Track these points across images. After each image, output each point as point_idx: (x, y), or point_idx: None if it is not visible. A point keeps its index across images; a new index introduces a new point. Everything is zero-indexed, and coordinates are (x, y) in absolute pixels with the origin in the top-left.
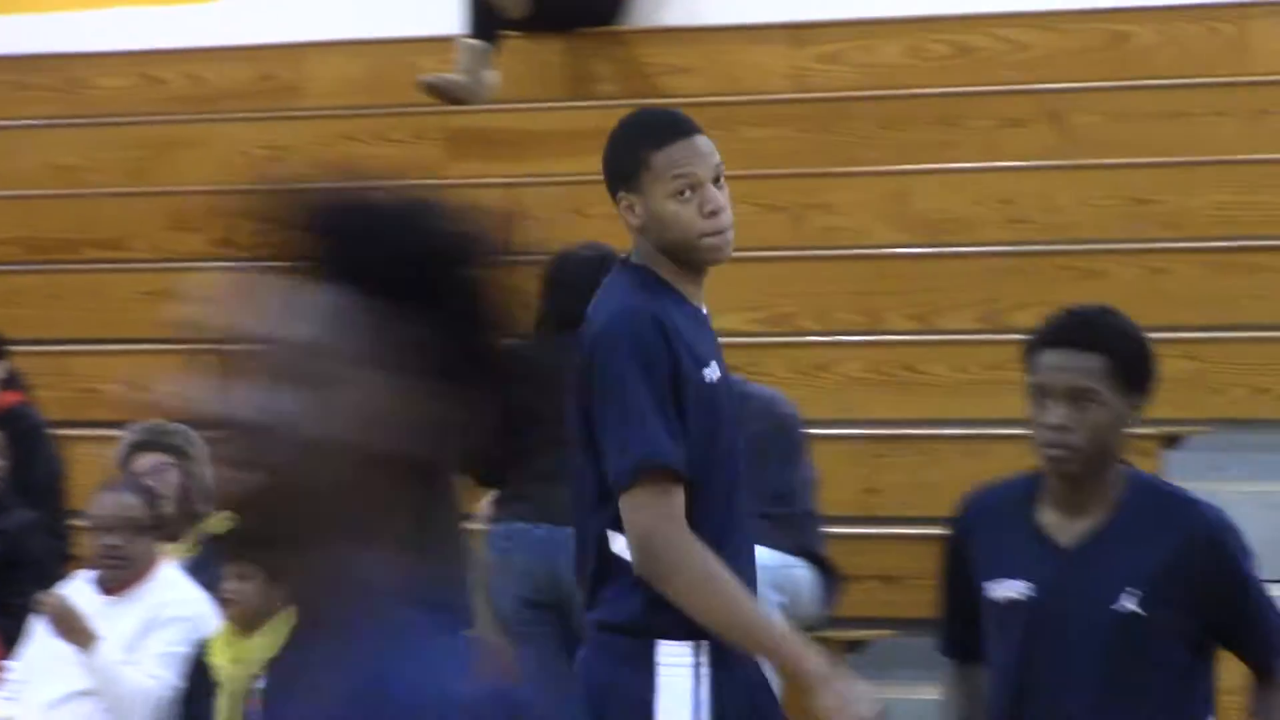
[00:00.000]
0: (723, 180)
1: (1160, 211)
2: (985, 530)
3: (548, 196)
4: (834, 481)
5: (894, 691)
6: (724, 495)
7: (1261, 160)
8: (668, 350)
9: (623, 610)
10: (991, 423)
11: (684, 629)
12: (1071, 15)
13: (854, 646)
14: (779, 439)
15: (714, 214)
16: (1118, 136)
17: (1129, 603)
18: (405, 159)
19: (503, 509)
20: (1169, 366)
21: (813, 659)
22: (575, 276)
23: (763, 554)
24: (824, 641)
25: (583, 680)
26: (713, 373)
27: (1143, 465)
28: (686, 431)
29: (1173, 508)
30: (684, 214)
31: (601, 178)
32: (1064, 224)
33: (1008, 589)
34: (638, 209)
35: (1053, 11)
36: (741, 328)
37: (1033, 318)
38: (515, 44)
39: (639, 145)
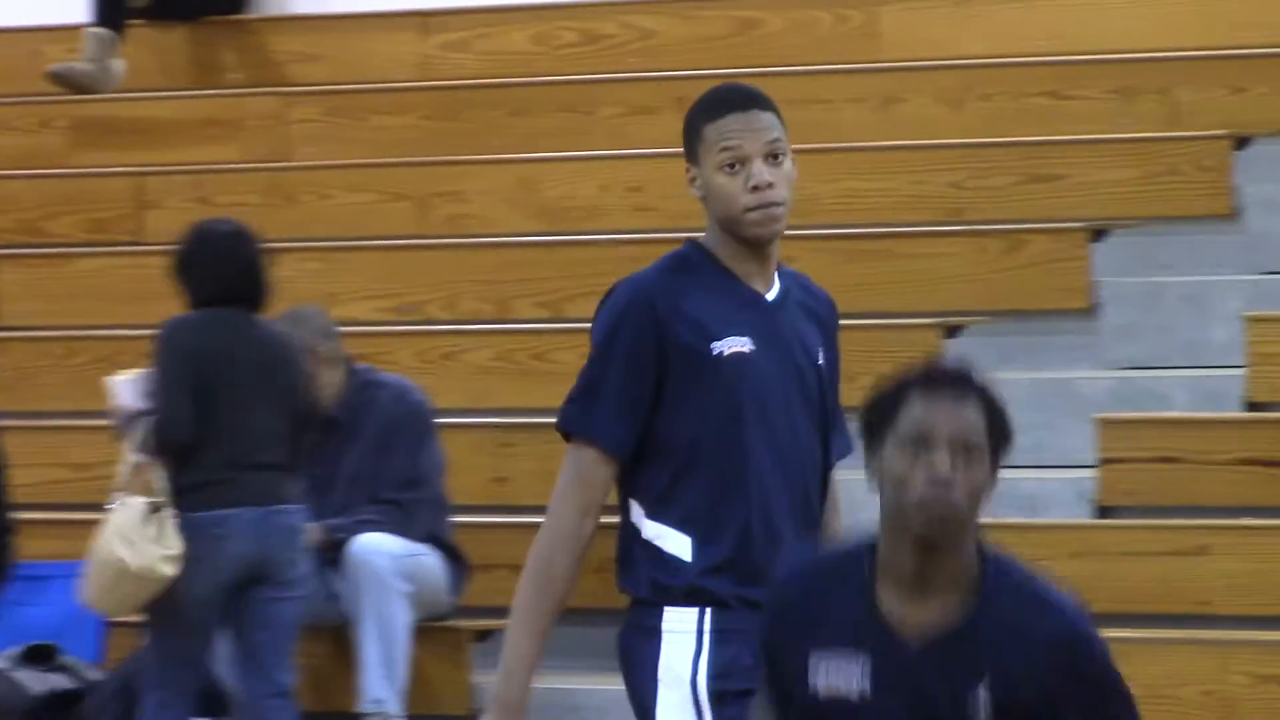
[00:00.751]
0: (783, 156)
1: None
2: (809, 610)
3: (174, 185)
4: (463, 470)
5: None
6: (737, 457)
7: (890, 147)
8: (655, 329)
9: (633, 579)
10: None
11: (689, 595)
12: (699, 3)
13: (483, 636)
14: (409, 427)
15: (757, 189)
16: None
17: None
18: (30, 148)
19: (203, 496)
20: None
21: (505, 696)
22: (212, 251)
23: (390, 542)
24: (452, 630)
25: (618, 650)
26: (727, 346)
27: None
28: (686, 400)
29: (1034, 608)
30: (729, 187)
31: (231, 166)
32: (693, 211)
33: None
34: (697, 181)
35: None
36: (370, 316)
37: None
38: (141, 32)
39: (698, 117)
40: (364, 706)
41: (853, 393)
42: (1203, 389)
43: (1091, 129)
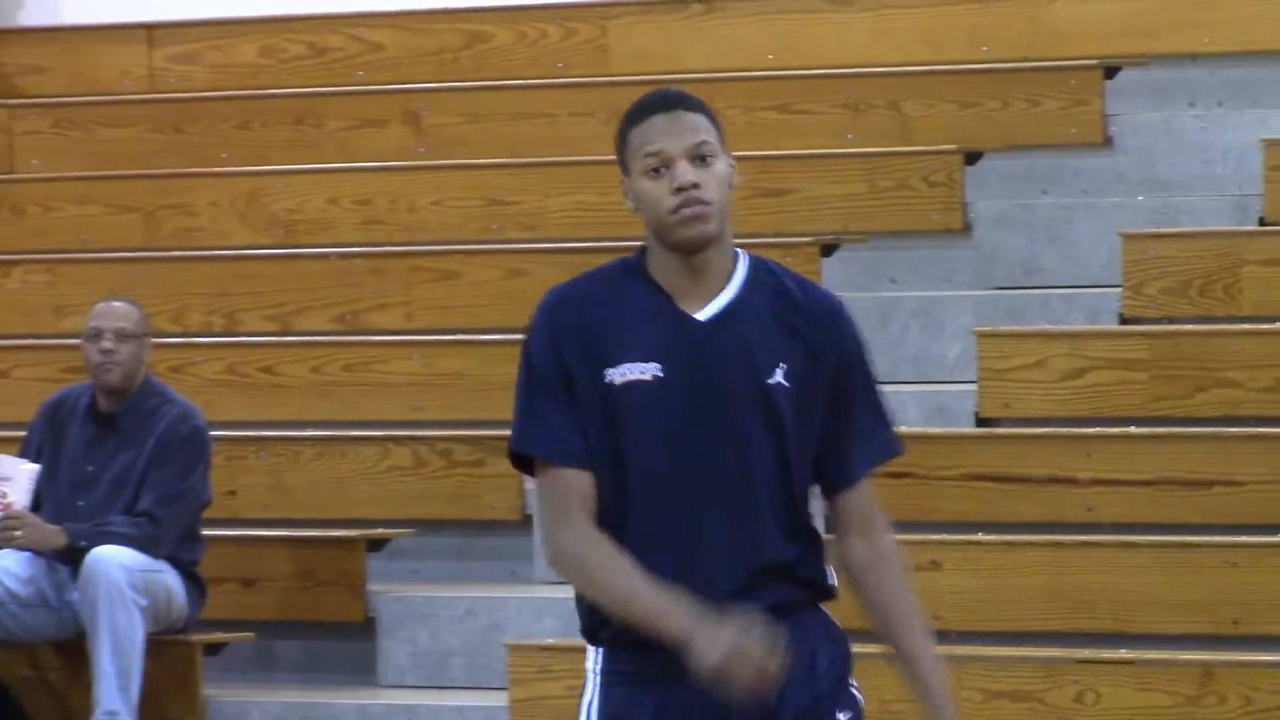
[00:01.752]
0: (712, 158)
1: (518, 212)
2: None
3: None
4: None
5: (253, 694)
6: (619, 496)
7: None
8: (555, 348)
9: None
10: (349, 424)
11: (590, 633)
12: (427, 15)
13: (214, 649)
14: (186, 448)
15: (681, 189)
16: (475, 137)
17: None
18: None
19: None
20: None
21: (675, 620)
22: None
23: (128, 555)
24: (184, 644)
25: None
26: (622, 373)
27: (502, 467)
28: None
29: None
30: (654, 191)
31: None
32: (420, 224)
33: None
34: (629, 192)
35: (408, 11)
36: None
37: (390, 319)
38: None
39: (624, 124)
40: (98, 718)
41: None
42: (934, 404)
43: (820, 143)
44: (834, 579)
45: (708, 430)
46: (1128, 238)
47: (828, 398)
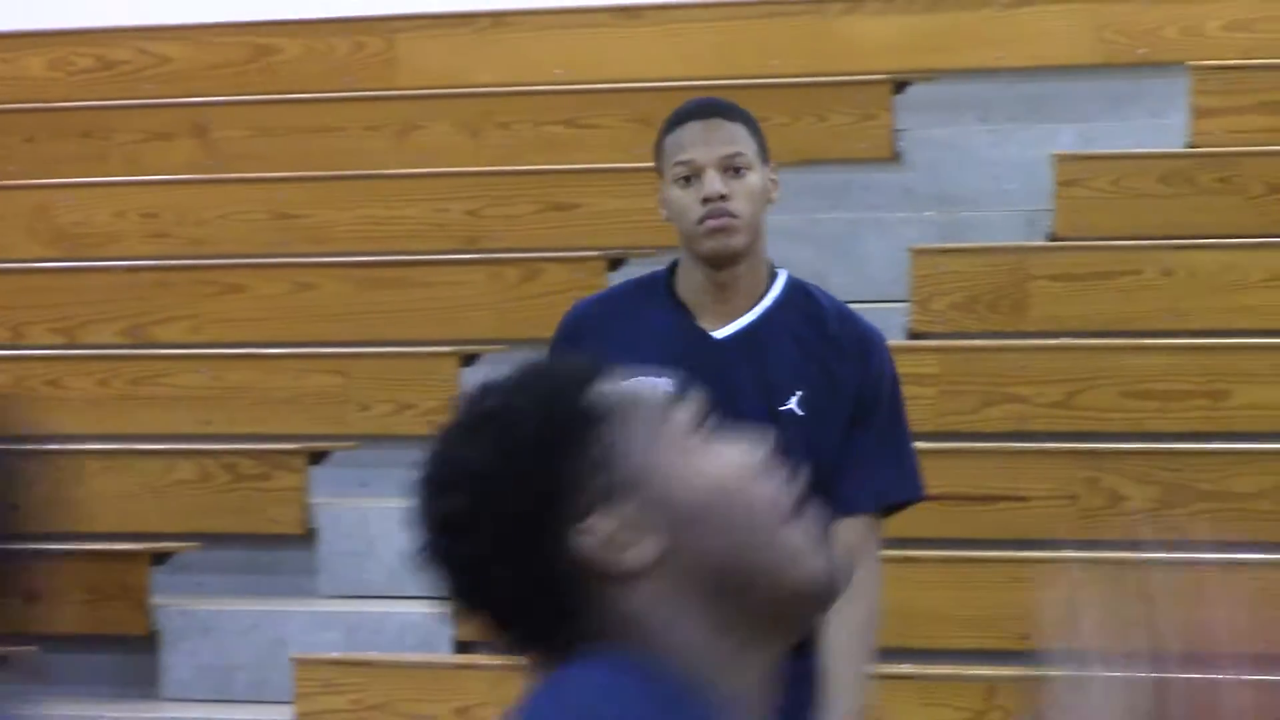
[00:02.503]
0: (746, 170)
1: (306, 226)
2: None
3: None
4: None
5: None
6: None
7: (408, 174)
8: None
9: None
10: (135, 438)
11: None
12: (215, 28)
13: None
14: None
15: (707, 200)
16: (263, 150)
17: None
18: None
19: None
20: (314, 382)
21: None
22: None
23: None
24: None
25: None
26: None
27: (288, 481)
28: None
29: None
30: (684, 200)
31: None
32: (208, 238)
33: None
34: (663, 199)
35: (196, 25)
36: None
37: (177, 332)
38: None
39: (662, 132)
40: None
41: (370, 421)
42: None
43: (609, 158)
44: None
45: None
46: (916, 253)
47: (845, 429)
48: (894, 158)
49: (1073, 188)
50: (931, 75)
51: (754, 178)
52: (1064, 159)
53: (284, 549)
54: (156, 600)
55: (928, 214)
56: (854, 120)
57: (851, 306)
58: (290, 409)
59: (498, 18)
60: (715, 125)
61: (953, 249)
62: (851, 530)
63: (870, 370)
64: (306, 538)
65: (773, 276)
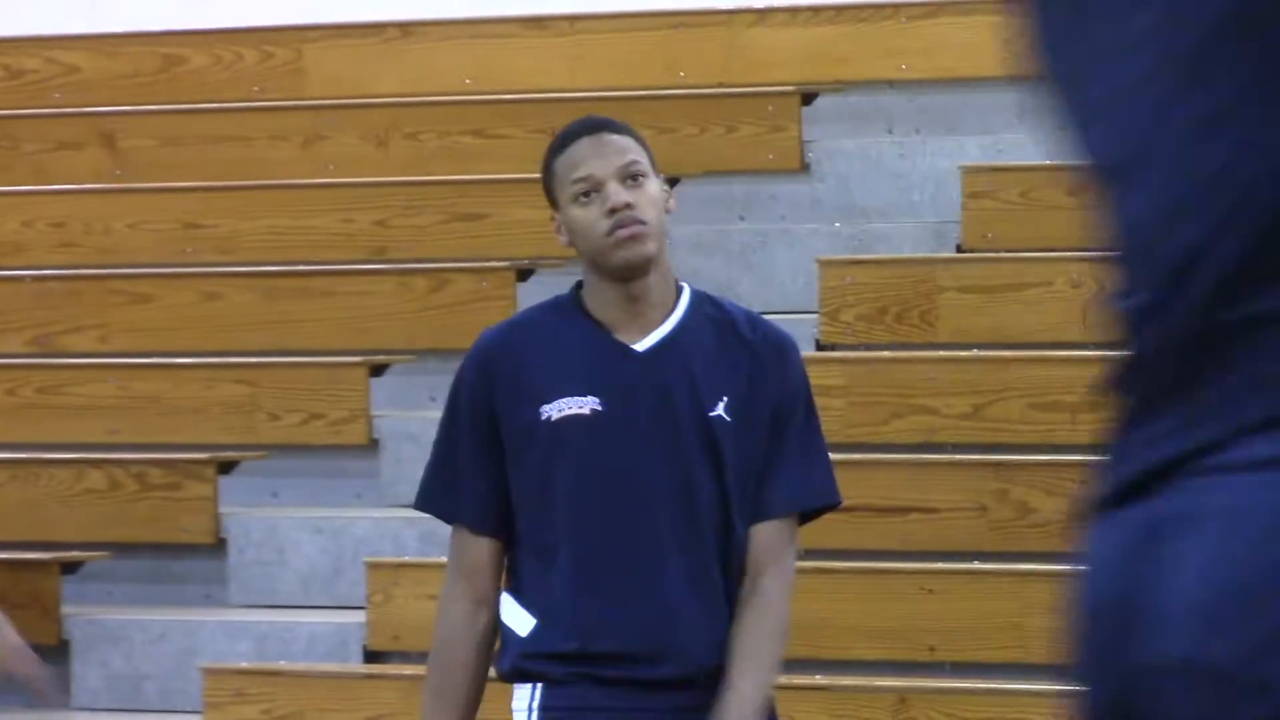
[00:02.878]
0: (644, 178)
1: (213, 235)
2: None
3: None
4: None
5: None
6: (555, 538)
7: (316, 184)
8: (483, 387)
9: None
10: (44, 446)
11: (519, 672)
12: (123, 38)
13: None
14: None
15: (615, 210)
16: (171, 159)
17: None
18: None
19: None
20: (223, 392)
21: None
22: None
23: None
24: None
25: None
26: (559, 408)
27: (197, 490)
28: (518, 469)
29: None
30: (586, 218)
31: None
32: (116, 247)
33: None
34: (560, 226)
35: (104, 35)
36: None
37: (85, 342)
38: None
39: (549, 155)
40: None
41: (278, 431)
42: None
43: (516, 168)
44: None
45: (649, 464)
46: (824, 264)
47: (766, 435)
48: (802, 169)
49: (981, 199)
50: (839, 87)
51: (652, 185)
52: (972, 171)
53: (194, 558)
54: (66, 610)
55: (836, 225)
56: (762, 131)
57: (761, 315)
58: (199, 418)
59: (406, 28)
60: (604, 139)
61: (861, 260)
62: (767, 534)
63: (788, 375)
64: (216, 547)
65: (678, 289)
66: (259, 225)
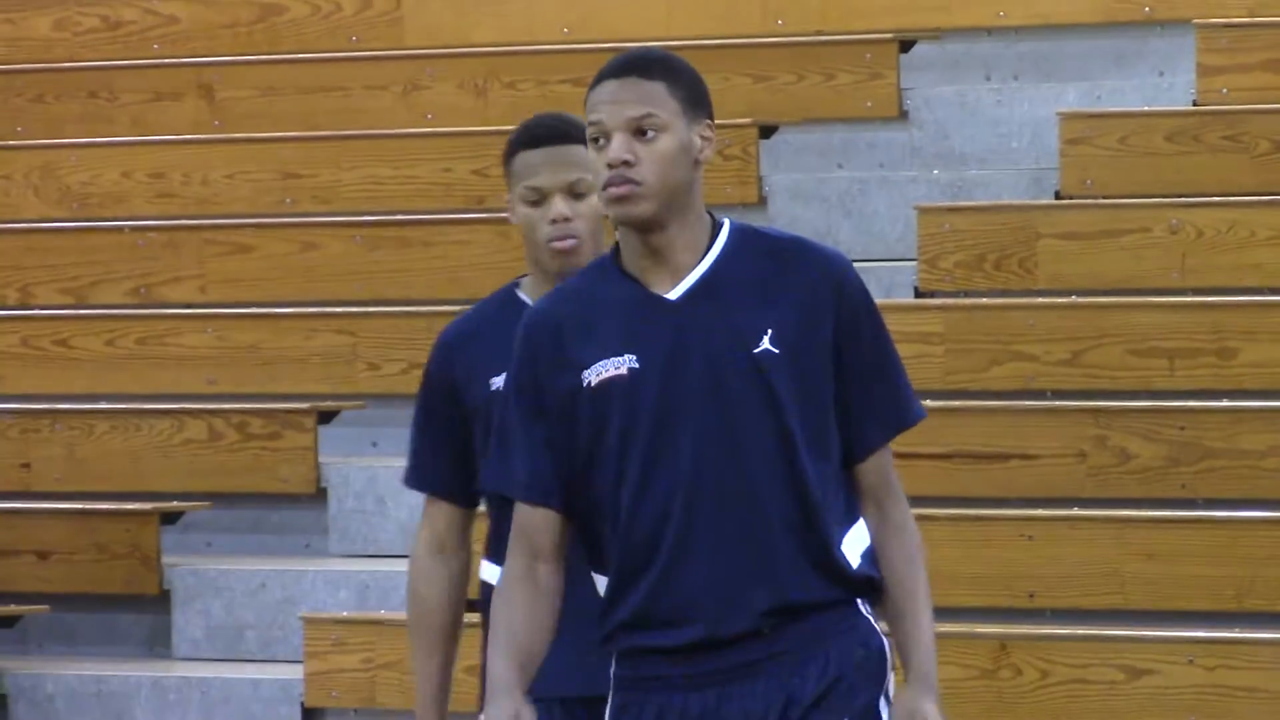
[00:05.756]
0: (657, 132)
1: (311, 185)
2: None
3: None
4: None
5: (47, 667)
6: (606, 510)
7: (414, 134)
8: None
9: None
10: (143, 397)
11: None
12: None
13: (9, 622)
14: None
15: (610, 165)
16: (269, 110)
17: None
18: None
19: None
20: (322, 341)
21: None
22: None
23: None
24: None
25: None
26: (597, 372)
27: (297, 440)
28: (569, 437)
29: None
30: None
31: None
32: (214, 197)
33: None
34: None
35: None
36: None
37: (184, 292)
38: None
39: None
40: None
41: (379, 381)
42: None
43: None
44: (870, 568)
45: (695, 419)
46: (923, 211)
47: (833, 363)
48: (900, 116)
49: (1079, 146)
50: (937, 34)
51: (664, 140)
52: (1070, 117)
53: (294, 508)
54: (167, 560)
55: (934, 173)
56: (860, 79)
57: (860, 266)
58: (298, 369)
59: None
60: (629, 84)
61: (959, 207)
62: (873, 468)
63: (844, 291)
64: (316, 497)
65: (717, 228)
66: (357, 175)
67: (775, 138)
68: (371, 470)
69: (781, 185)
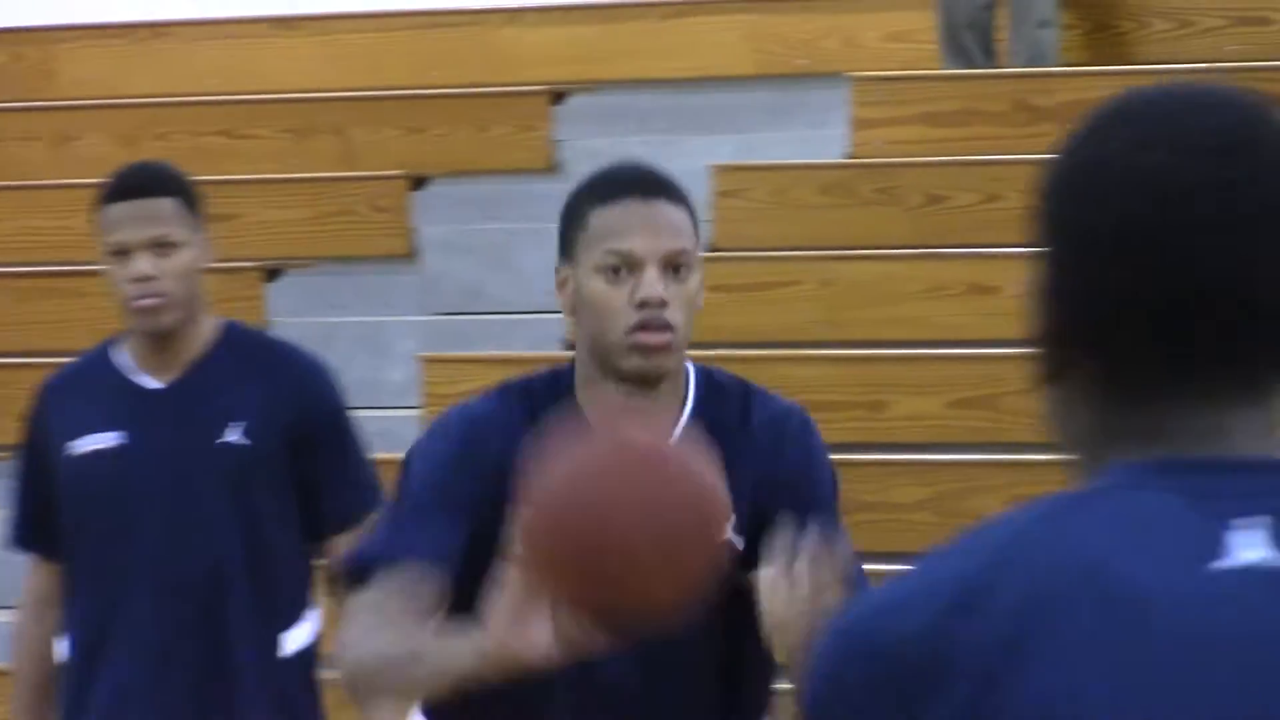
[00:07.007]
0: (687, 271)
1: None
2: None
3: None
4: None
5: None
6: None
7: (67, 185)
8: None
9: None
10: None
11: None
12: None
13: None
14: None
15: (644, 305)
16: None
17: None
18: None
19: None
20: None
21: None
22: None
23: None
24: None
25: None
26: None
27: None
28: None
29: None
30: (608, 297)
31: None
32: None
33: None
34: (568, 282)
35: None
36: None
37: None
38: None
39: (583, 194)
40: None
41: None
42: (379, 429)
43: (264, 168)
44: None
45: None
46: None
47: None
48: (553, 168)
49: (731, 198)
50: (590, 86)
51: (693, 282)
52: (722, 170)
53: None
54: None
55: None
56: (512, 131)
57: (510, 319)
58: None
59: (156, 29)
60: (661, 210)
61: None
62: None
63: (791, 452)
64: None
65: (685, 376)
66: (10, 226)
67: (427, 189)
68: None
69: (433, 238)
